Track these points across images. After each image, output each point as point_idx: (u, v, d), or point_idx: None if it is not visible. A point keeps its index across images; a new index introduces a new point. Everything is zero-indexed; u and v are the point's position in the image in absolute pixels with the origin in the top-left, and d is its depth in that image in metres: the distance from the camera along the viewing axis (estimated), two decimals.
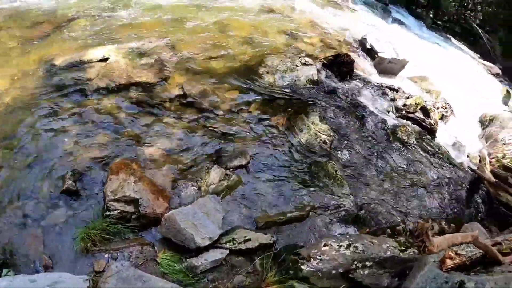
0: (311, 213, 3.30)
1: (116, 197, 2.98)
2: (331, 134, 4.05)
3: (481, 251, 3.30)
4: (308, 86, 4.67)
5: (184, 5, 5.89)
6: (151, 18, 5.40)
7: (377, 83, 5.27)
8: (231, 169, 3.38)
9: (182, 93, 4.01)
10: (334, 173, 3.69)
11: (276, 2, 6.79)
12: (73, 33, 5.02)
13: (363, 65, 5.59)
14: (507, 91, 7.73)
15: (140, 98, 3.94)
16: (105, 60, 4.30)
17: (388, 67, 5.71)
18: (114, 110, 3.84)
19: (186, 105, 3.93)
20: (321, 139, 3.92)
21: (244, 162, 3.45)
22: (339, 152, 4.02)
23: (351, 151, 4.07)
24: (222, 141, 3.65)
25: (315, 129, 3.96)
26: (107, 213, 2.91)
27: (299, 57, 4.86)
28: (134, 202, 3.00)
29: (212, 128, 3.75)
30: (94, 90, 4.02)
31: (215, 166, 3.30)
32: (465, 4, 11.41)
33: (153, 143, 3.50)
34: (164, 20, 5.36)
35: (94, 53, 4.37)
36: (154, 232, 2.99)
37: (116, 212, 2.92)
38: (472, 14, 11.48)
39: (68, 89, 3.98)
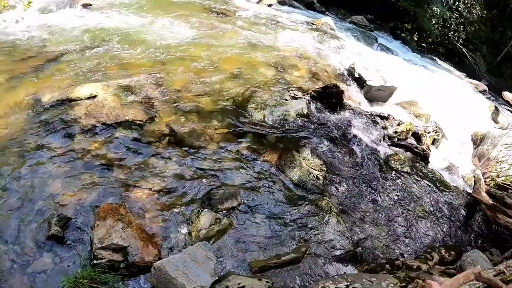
0: (307, 254, 3.18)
1: (103, 245, 2.86)
2: (324, 169, 3.98)
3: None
4: (299, 120, 4.64)
5: (177, 43, 5.90)
6: (141, 54, 5.39)
7: (367, 112, 5.27)
8: (222, 212, 3.27)
9: (170, 132, 3.93)
10: (329, 209, 3.60)
11: (263, 35, 6.90)
12: (62, 69, 4.95)
13: (353, 95, 5.61)
14: (495, 107, 7.84)
15: (128, 138, 3.85)
16: (93, 97, 4.22)
17: (377, 95, 5.74)
18: (101, 150, 3.74)
19: (175, 145, 3.83)
20: (313, 175, 3.85)
21: (235, 204, 3.35)
22: (333, 187, 3.94)
23: (344, 185, 4.00)
24: (212, 182, 3.55)
25: (307, 165, 3.89)
26: (95, 261, 2.78)
27: (288, 91, 4.84)
28: (122, 250, 2.88)
29: (202, 169, 3.65)
30: (81, 129, 3.92)
31: (205, 210, 3.18)
32: (448, 25, 11.73)
33: (141, 185, 3.39)
34: (155, 57, 5.35)
35: (82, 91, 4.30)
36: (143, 281, 2.86)
37: (104, 260, 2.79)
38: (455, 34, 11.80)
39: (55, 128, 3.89)
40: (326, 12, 10.27)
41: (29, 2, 6.16)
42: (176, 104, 4.29)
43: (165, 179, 3.46)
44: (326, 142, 4.38)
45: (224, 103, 4.47)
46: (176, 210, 3.23)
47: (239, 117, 4.34)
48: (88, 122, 4.00)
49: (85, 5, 7.80)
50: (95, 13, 7.21)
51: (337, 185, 3.96)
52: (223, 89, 4.72)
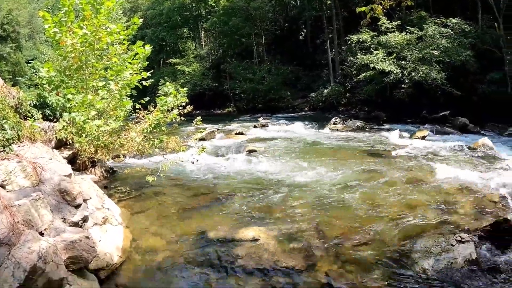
0: None
1: None
2: None
3: None
4: (466, 267, 4.03)
5: (335, 189, 6.24)
6: (301, 200, 5.80)
7: None
8: None
9: (327, 282, 3.85)
10: None
11: (420, 173, 6.73)
12: (229, 209, 5.61)
13: None
14: None
15: (287, 285, 3.91)
16: (255, 240, 4.56)
17: None
18: None
19: None
20: None
21: None
22: None
23: None
24: None
25: None
26: None
27: (454, 234, 4.37)
28: None
29: None
30: (241, 269, 4.14)
31: None
32: None
33: None
34: (314, 202, 5.67)
35: (245, 233, 4.70)
36: None
37: None
38: None
39: (216, 263, 4.23)
40: (482, 132, 9.54)
41: (203, 148, 7.51)
42: (335, 252, 4.29)
43: None
44: None
45: (384, 252, 4.26)
46: None
47: (401, 268, 4.02)
48: (247, 263, 4.23)
49: (250, 151, 9.23)
50: (259, 159, 8.35)
51: None
52: (383, 237, 4.58)
